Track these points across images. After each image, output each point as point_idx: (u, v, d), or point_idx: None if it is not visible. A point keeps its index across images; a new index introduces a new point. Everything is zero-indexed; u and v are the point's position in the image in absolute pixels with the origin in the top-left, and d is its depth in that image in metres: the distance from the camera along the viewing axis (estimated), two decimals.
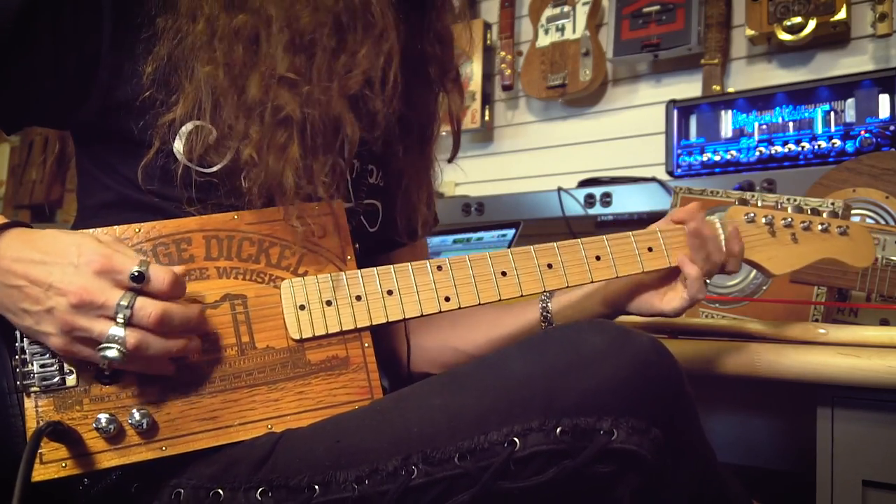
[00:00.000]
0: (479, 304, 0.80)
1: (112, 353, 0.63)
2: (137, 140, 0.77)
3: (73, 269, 0.64)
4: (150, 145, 0.76)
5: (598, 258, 0.84)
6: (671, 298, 0.88)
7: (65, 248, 0.65)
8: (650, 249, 0.86)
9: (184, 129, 0.76)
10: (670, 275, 0.88)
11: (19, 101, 0.77)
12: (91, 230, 0.72)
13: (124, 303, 0.64)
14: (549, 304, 0.95)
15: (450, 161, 1.01)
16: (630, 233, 0.86)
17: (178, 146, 0.76)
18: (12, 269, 0.65)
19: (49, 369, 0.67)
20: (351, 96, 0.79)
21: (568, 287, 0.83)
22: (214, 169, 0.77)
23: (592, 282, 0.85)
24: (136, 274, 0.64)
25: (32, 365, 0.67)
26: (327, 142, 0.78)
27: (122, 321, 0.63)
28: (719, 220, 0.88)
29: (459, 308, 0.79)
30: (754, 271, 1.20)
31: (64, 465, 0.66)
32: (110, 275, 0.64)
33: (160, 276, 0.65)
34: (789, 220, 0.89)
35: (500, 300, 0.81)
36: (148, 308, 0.64)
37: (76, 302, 0.63)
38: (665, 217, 0.91)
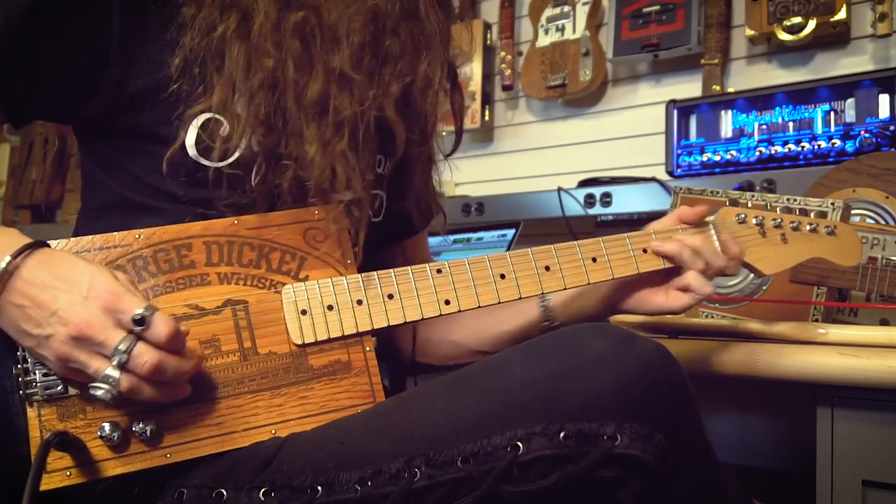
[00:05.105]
0: (479, 306, 0.81)
1: (102, 392, 0.62)
2: (149, 135, 0.76)
3: (81, 301, 0.63)
4: (166, 139, 0.75)
5: (594, 260, 0.85)
6: (677, 296, 0.88)
7: (78, 275, 0.65)
8: (645, 251, 0.87)
9: (196, 121, 0.76)
10: (671, 272, 0.89)
11: (30, 94, 0.77)
12: (108, 266, 0.71)
13: (122, 347, 0.63)
14: (548, 302, 0.96)
15: (447, 157, 1.01)
16: (626, 234, 0.87)
17: (191, 138, 0.76)
18: (22, 289, 0.64)
19: (51, 378, 0.67)
20: (398, 99, 0.80)
21: (566, 288, 0.84)
22: (228, 162, 0.77)
23: (589, 283, 0.85)
24: (139, 318, 0.63)
25: (35, 374, 0.67)
26: (375, 143, 0.80)
27: (116, 364, 0.63)
28: (713, 224, 0.89)
29: (459, 311, 0.80)
30: None
31: (69, 473, 0.66)
32: (115, 313, 0.64)
33: (160, 326, 0.64)
34: (779, 220, 0.90)
35: (499, 302, 0.82)
36: (144, 356, 0.63)
37: (76, 334, 0.62)
38: (669, 215, 0.91)
